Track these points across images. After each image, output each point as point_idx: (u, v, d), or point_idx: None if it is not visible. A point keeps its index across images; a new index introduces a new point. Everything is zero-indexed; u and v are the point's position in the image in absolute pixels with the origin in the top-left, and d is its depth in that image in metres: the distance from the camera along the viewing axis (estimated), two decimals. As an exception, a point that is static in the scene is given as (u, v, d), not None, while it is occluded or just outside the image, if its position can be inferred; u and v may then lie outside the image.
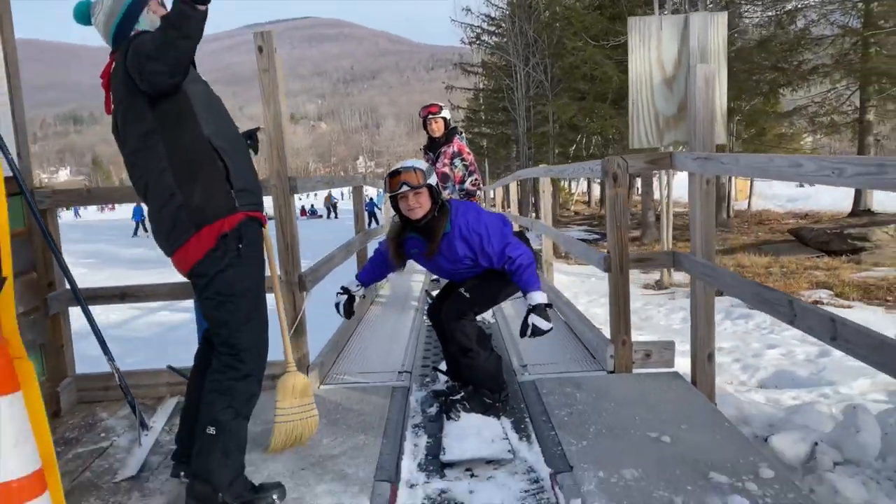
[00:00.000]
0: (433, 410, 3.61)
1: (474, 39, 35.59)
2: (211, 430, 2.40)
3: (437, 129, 5.68)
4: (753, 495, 2.47)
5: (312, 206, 48.12)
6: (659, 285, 13.71)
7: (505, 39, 31.50)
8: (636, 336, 4.19)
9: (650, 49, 3.65)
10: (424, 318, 5.19)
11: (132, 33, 2.39)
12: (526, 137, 28.94)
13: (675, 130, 3.73)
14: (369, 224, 21.87)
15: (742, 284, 3.07)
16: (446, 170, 5.66)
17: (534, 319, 3.15)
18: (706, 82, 3.49)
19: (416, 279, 8.24)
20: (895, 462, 3.56)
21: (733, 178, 29.78)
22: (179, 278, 2.63)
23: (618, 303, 3.90)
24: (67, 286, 3.56)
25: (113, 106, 2.43)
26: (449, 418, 3.37)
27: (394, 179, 3.26)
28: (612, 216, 3.83)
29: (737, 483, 2.56)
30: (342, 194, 60.22)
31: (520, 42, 27.97)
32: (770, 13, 19.78)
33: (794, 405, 4.64)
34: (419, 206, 3.26)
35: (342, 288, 3.63)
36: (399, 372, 4.17)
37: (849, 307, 10.61)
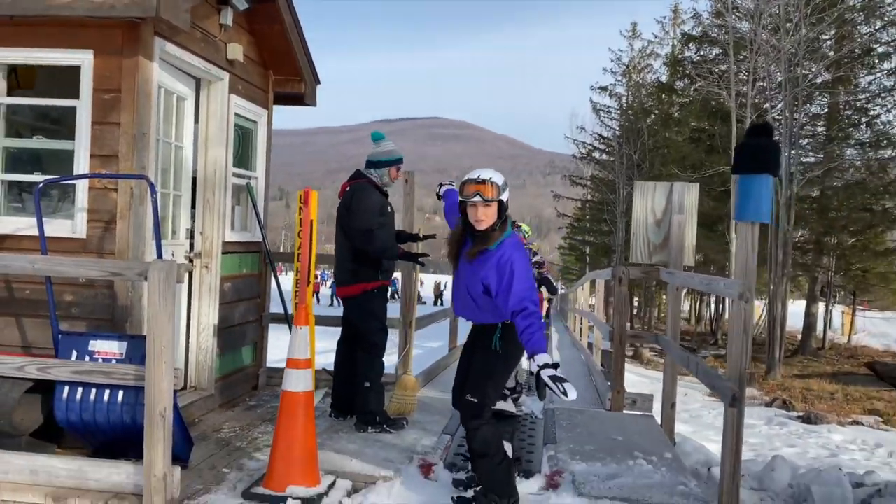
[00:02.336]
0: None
1: (585, 155, 38.34)
2: (367, 384, 4.62)
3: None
4: (652, 461, 4.35)
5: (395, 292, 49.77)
6: (721, 395, 14.96)
7: (612, 158, 33.98)
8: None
9: (647, 201, 5.73)
10: None
11: (372, 175, 4.72)
12: (622, 249, 30.81)
13: (660, 254, 5.72)
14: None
15: (679, 352, 5.00)
16: None
17: (548, 379, 3.07)
18: (679, 226, 5.53)
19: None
20: (792, 492, 5.23)
21: (831, 313, 30.01)
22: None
23: (617, 364, 5.84)
24: (272, 311, 5.96)
25: (341, 207, 4.74)
26: None
27: (468, 186, 3.32)
28: (616, 306, 5.84)
29: (647, 456, 4.43)
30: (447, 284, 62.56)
31: (624, 163, 30.38)
32: (858, 161, 21.08)
33: (747, 458, 6.30)
34: (486, 219, 3.33)
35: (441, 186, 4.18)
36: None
37: (886, 430, 11.69)
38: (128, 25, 3.95)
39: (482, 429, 3.46)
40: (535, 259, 5.71)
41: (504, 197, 3.37)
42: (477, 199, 3.29)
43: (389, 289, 5.09)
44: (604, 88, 35.30)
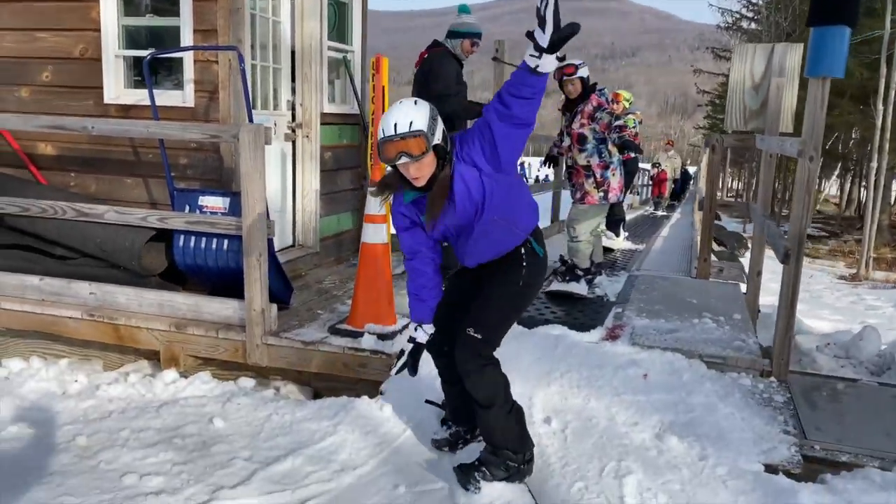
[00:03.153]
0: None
1: (731, 25, 35.42)
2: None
3: (574, 90, 5.19)
4: (718, 321, 4.46)
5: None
6: (853, 277, 14.27)
7: (760, 28, 31.18)
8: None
9: (745, 65, 5.46)
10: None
11: (449, 46, 4.93)
12: (766, 127, 28.84)
13: (756, 120, 5.52)
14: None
15: (760, 219, 4.95)
16: (584, 130, 5.13)
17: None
18: (778, 89, 5.29)
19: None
20: (878, 360, 5.16)
21: None
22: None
23: (704, 233, 5.83)
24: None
25: (419, 73, 4.99)
26: (467, 490, 2.78)
27: (388, 147, 2.46)
28: (707, 174, 5.76)
29: (715, 317, 4.54)
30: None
31: (772, 32, 27.79)
32: None
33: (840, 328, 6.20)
34: (424, 172, 2.53)
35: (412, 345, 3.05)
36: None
37: None
38: None
39: (486, 370, 2.73)
40: (617, 123, 5.10)
41: (438, 136, 2.49)
42: (404, 160, 2.47)
43: None
44: (755, -55, 31.98)
